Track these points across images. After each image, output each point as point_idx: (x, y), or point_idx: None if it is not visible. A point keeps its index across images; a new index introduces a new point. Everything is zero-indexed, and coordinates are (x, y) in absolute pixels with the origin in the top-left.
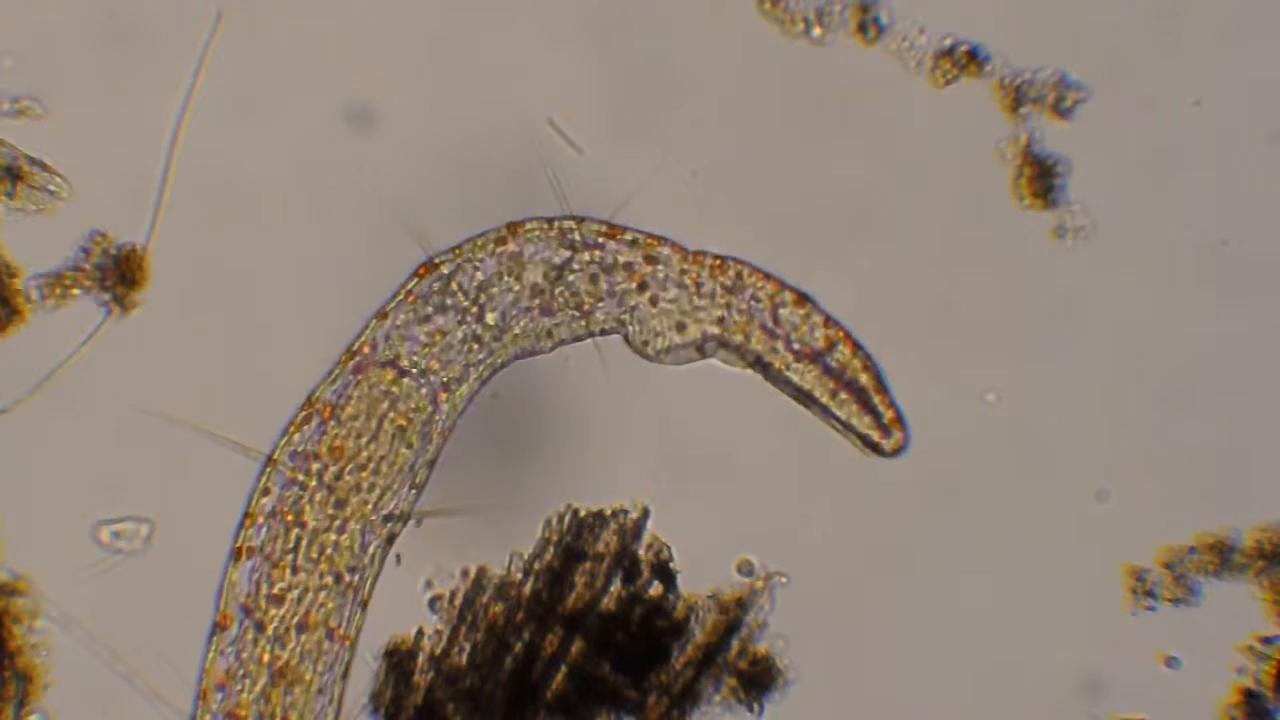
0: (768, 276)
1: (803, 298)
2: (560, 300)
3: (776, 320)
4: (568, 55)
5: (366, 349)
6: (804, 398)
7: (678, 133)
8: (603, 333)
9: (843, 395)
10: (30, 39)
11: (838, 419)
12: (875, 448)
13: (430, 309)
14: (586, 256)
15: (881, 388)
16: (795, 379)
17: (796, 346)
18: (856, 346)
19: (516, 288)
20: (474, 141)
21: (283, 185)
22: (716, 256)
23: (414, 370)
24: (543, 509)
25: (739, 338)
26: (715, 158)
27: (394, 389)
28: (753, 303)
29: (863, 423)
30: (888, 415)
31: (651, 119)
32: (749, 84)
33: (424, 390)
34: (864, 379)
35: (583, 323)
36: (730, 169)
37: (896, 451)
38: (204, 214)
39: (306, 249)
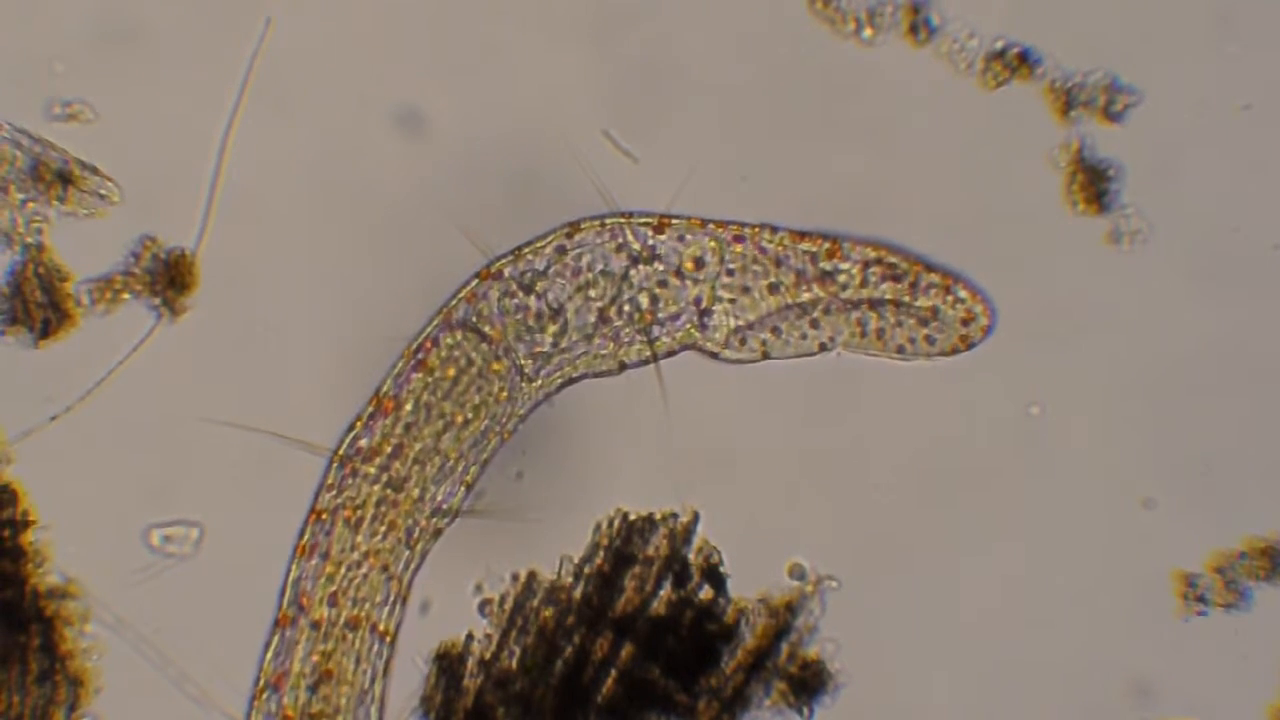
0: (802, 234)
1: (836, 242)
2: (620, 324)
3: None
4: (603, 53)
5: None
6: (879, 308)
7: (717, 132)
8: (669, 354)
9: (916, 295)
10: (77, 43)
11: (917, 319)
12: (965, 339)
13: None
14: (641, 272)
15: (946, 272)
16: (867, 294)
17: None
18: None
19: (582, 306)
20: (493, 145)
21: (331, 188)
22: (754, 227)
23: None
24: (592, 514)
25: (804, 295)
26: (759, 159)
27: (479, 358)
28: (801, 261)
29: (949, 315)
30: (963, 291)
31: (685, 117)
32: (796, 85)
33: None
34: (925, 269)
35: (647, 348)
36: (770, 171)
37: (986, 331)
38: (251, 217)
39: (355, 252)
